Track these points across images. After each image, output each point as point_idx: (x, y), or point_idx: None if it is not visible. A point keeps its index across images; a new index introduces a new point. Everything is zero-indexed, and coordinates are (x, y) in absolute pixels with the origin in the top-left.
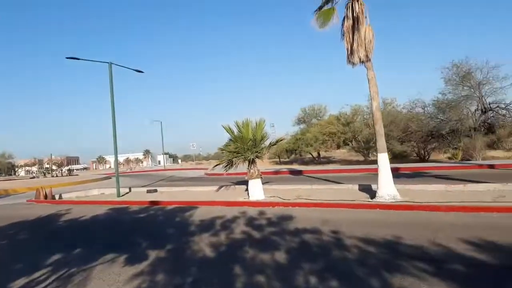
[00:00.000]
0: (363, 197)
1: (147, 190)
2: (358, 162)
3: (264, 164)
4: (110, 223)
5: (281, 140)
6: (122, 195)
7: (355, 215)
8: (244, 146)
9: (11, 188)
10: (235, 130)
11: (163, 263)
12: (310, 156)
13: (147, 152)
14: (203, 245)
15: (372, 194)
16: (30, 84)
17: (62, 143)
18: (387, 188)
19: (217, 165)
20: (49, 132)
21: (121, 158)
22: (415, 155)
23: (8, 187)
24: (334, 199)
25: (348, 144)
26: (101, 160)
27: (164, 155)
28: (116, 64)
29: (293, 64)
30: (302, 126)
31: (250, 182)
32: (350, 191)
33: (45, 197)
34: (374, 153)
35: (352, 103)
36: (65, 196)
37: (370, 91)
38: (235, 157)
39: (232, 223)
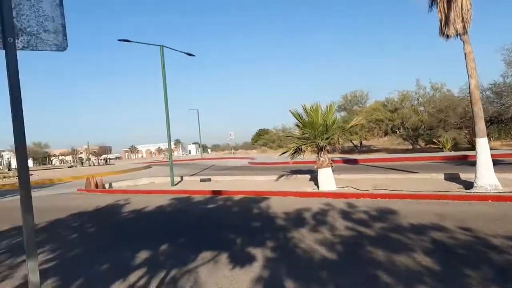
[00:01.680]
0: (456, 188)
1: (201, 179)
2: (404, 151)
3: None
4: (181, 215)
5: (355, 125)
6: (175, 184)
7: (467, 208)
8: (314, 132)
9: (56, 178)
10: (304, 115)
11: (277, 265)
12: (351, 145)
13: (177, 142)
14: (310, 242)
15: (466, 184)
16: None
17: (95, 132)
18: (488, 177)
19: (284, 153)
20: (83, 122)
21: (153, 148)
22: (466, 142)
23: (52, 176)
24: (425, 190)
25: (395, 132)
26: (133, 149)
27: (195, 145)
28: (168, 47)
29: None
30: (342, 113)
31: (321, 171)
32: (435, 181)
33: (96, 186)
34: (422, 141)
35: (399, 89)
36: (115, 185)
37: (467, 67)
38: (304, 144)
39: (324, 216)
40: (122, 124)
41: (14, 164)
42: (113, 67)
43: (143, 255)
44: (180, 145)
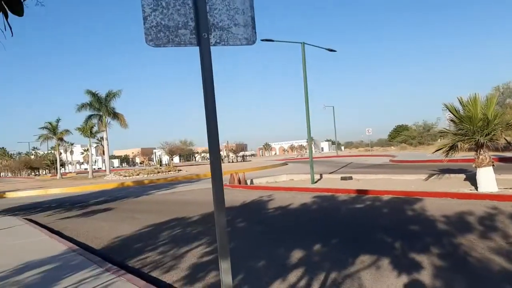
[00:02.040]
0: None
1: (341, 178)
2: None
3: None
4: (328, 215)
5: None
6: (315, 182)
7: None
8: (472, 127)
9: (202, 173)
10: (460, 110)
11: (450, 275)
12: (505, 141)
13: (311, 139)
14: (483, 251)
15: None
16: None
17: (232, 130)
18: None
19: (438, 149)
20: (222, 120)
21: (286, 145)
22: None
23: (198, 172)
24: None
25: None
26: (266, 147)
27: (328, 142)
28: (309, 44)
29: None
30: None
31: (480, 171)
32: None
33: (239, 182)
34: None
35: None
36: (256, 182)
37: None
38: (460, 140)
39: (492, 221)
40: (257, 122)
41: (164, 160)
42: (251, 66)
43: (297, 254)
44: (313, 142)
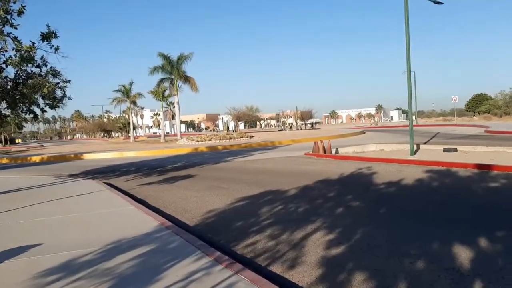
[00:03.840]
0: None
1: (444, 149)
2: None
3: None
4: (461, 195)
5: None
6: (414, 153)
7: None
8: None
9: (276, 140)
10: None
11: None
12: None
13: (379, 107)
14: None
15: None
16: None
17: (299, 98)
18: None
19: None
20: (290, 87)
21: (353, 113)
22: None
23: (270, 138)
24: None
25: None
26: (333, 115)
27: (398, 111)
28: None
29: None
30: None
31: None
32: None
33: (324, 151)
34: None
35: None
36: (341, 151)
37: None
38: None
39: None
40: (323, 88)
41: (231, 126)
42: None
43: (462, 252)
44: (382, 111)
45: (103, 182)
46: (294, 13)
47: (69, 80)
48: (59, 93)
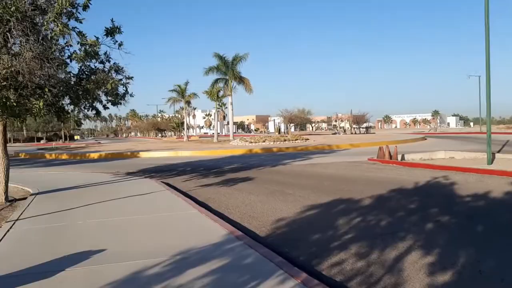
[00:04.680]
0: None
1: None
2: None
3: None
4: None
5: None
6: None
7: None
8: None
9: (334, 144)
10: None
11: None
12: None
13: (435, 113)
14: None
15: None
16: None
17: (351, 101)
18: None
19: None
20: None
21: (408, 118)
22: None
23: (325, 141)
24: None
25: None
26: (386, 119)
27: (455, 117)
28: None
29: None
30: None
31: None
32: None
33: (390, 156)
34: None
35: None
36: (407, 158)
37: None
38: None
39: None
40: (375, 92)
41: (282, 128)
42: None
43: None
44: (438, 117)
45: (161, 182)
46: (351, 18)
47: (132, 77)
48: (121, 89)
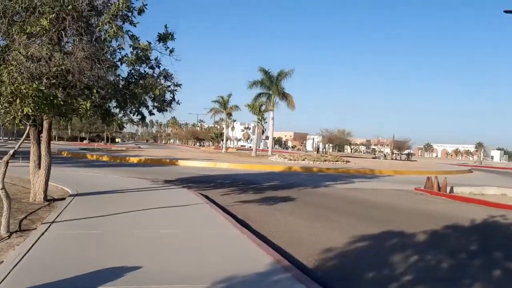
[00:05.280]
0: None
1: None
2: None
3: None
4: None
5: None
6: None
7: None
8: None
9: (376, 169)
10: None
11: None
12: None
13: (479, 145)
14: None
15: None
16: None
17: (391, 126)
18: None
19: None
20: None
21: (450, 148)
22: None
23: (366, 165)
24: None
25: None
26: (427, 147)
27: (500, 151)
28: None
29: None
30: None
31: None
32: None
33: (438, 188)
34: None
35: None
36: (456, 190)
37: None
38: None
39: None
40: (419, 117)
41: (321, 148)
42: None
43: None
44: (482, 149)
45: (200, 193)
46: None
47: (180, 84)
48: (168, 96)
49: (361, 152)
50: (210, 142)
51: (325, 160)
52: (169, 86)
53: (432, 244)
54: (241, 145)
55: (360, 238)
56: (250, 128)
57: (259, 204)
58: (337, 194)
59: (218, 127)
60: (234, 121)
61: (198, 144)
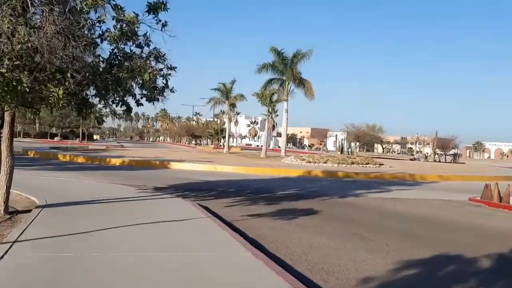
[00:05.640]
0: None
1: None
2: None
3: None
4: None
5: None
6: None
7: None
8: None
9: (418, 174)
10: None
11: None
12: None
13: None
14: None
15: None
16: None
17: (431, 121)
18: None
19: None
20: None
21: (506, 148)
22: None
23: (404, 168)
24: None
25: None
26: (478, 146)
27: None
28: None
29: None
30: None
31: None
32: None
33: (499, 199)
34: None
35: None
36: None
37: None
38: None
39: None
40: (468, 111)
41: (345, 147)
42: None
43: None
44: None
45: (198, 205)
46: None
47: (175, 67)
48: (160, 82)
49: (395, 152)
50: (209, 140)
51: (352, 163)
52: (161, 70)
53: (500, 273)
54: (246, 144)
55: (407, 264)
56: (257, 123)
57: (274, 218)
58: (371, 206)
59: (219, 121)
60: (238, 114)
61: (194, 142)
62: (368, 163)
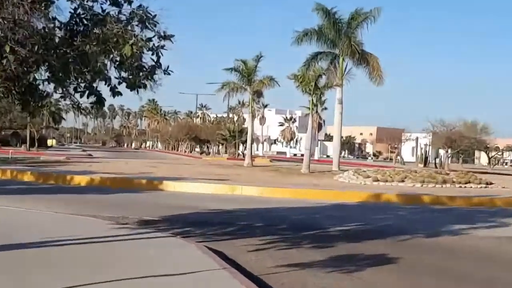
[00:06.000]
0: None
1: None
2: None
3: None
4: None
5: None
6: None
7: None
8: None
9: None
10: None
11: None
12: None
13: None
14: None
15: None
16: None
17: None
18: None
19: None
20: None
21: None
22: None
23: None
24: None
25: None
26: None
27: None
28: None
29: None
30: None
31: None
32: None
33: None
34: None
35: None
36: None
37: None
38: None
39: None
40: None
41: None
42: None
43: None
44: None
45: (208, 248)
46: None
47: (172, 36)
48: (148, 58)
49: (507, 164)
50: (221, 146)
51: (444, 181)
52: (149, 40)
53: None
54: (278, 152)
55: None
56: (295, 120)
57: (326, 271)
58: (481, 250)
59: (236, 118)
60: (266, 106)
61: (198, 149)
62: (469, 182)
